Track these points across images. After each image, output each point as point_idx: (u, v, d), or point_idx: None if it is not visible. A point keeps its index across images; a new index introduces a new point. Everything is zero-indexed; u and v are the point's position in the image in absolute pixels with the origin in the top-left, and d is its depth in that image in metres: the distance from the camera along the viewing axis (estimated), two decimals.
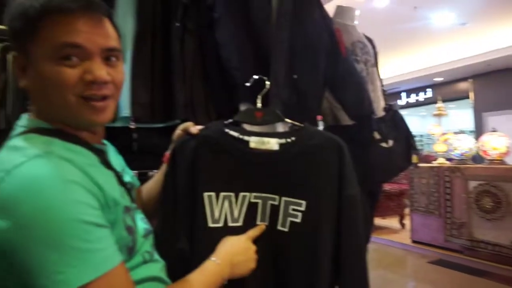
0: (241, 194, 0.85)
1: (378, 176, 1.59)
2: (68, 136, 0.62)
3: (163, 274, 0.73)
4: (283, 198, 0.84)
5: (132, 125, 1.16)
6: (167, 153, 0.90)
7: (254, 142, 0.86)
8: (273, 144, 0.86)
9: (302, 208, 0.82)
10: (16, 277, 0.53)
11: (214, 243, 0.79)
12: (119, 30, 1.15)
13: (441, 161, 4.23)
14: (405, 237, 4.40)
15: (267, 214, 0.85)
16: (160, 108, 1.19)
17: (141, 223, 0.72)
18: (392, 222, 5.07)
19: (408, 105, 9.80)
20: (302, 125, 0.91)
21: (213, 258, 0.75)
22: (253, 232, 0.83)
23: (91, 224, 0.54)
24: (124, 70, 1.15)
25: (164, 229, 0.83)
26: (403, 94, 9.86)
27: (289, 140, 0.87)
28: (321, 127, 1.67)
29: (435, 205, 3.98)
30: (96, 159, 0.65)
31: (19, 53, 0.63)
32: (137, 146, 1.18)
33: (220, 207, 0.84)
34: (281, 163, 0.85)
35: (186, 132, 0.89)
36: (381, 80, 1.85)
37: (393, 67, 8.04)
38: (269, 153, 0.86)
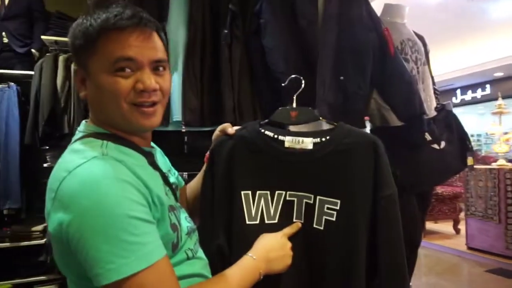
0: (277, 192, 0.87)
1: (430, 179, 1.53)
2: (120, 139, 0.69)
3: (206, 271, 0.76)
4: (318, 197, 0.84)
5: (183, 129, 1.22)
6: (208, 154, 0.94)
7: (288, 141, 0.87)
8: (307, 143, 0.87)
9: (337, 207, 0.83)
10: (76, 267, 0.60)
11: (251, 240, 0.81)
12: (170, 41, 1.22)
13: (501, 162, 3.94)
14: (459, 243, 4.15)
15: (303, 212, 0.85)
16: (209, 112, 1.25)
17: (185, 222, 0.77)
18: (445, 226, 4.80)
19: (464, 103, 9.18)
20: (335, 123, 0.91)
21: (250, 254, 0.77)
22: (289, 230, 0.84)
23: (140, 220, 0.59)
24: (176, 77, 1.23)
25: (203, 226, 0.86)
26: (458, 91, 9.28)
27: (323, 139, 0.87)
28: (368, 128, 1.64)
29: (493, 210, 3.71)
30: (144, 161, 0.70)
31: (80, 67, 0.69)
32: (188, 148, 1.25)
33: (257, 205, 0.86)
34: (316, 162, 0.85)
35: (223, 132, 0.92)
36: (433, 78, 1.77)
37: (446, 63, 7.59)
38: (303, 152, 0.86)
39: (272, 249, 0.79)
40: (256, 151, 0.88)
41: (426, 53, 1.74)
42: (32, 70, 2.45)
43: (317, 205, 0.84)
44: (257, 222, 0.85)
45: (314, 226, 0.84)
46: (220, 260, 0.82)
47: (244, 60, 1.26)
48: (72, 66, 2.24)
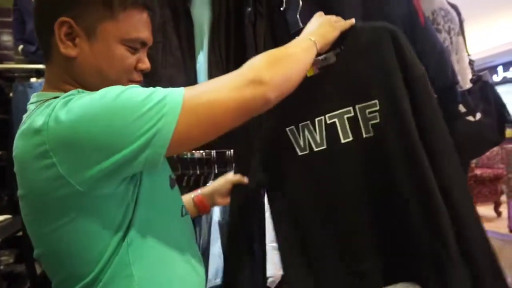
0: (316, 119, 0.89)
1: (465, 152, 1.47)
2: None
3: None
4: (357, 106, 0.84)
5: None
6: (199, 195, 0.97)
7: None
8: (331, 57, 0.89)
9: (377, 107, 0.82)
10: (68, 224, 0.59)
11: (305, 169, 0.88)
12: (195, 22, 1.23)
13: None
14: (501, 226, 3.97)
15: (347, 128, 0.86)
16: None
17: None
18: (485, 209, 4.60)
19: (506, 81, 8.65)
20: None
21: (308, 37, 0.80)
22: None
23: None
24: (202, 57, 1.25)
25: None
26: (500, 68, 8.74)
27: (342, 46, 0.88)
28: None
29: None
30: None
31: (76, 22, 0.61)
32: None
33: (303, 137, 0.91)
34: (341, 73, 0.87)
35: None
36: (467, 50, 1.69)
37: (485, 38, 7.17)
38: (328, 68, 0.89)
39: (319, 26, 0.83)
40: None
41: (460, 23, 1.66)
42: None
43: (359, 115, 0.84)
44: (307, 151, 0.90)
45: (364, 136, 0.84)
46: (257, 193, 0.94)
47: (269, 36, 1.26)
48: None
